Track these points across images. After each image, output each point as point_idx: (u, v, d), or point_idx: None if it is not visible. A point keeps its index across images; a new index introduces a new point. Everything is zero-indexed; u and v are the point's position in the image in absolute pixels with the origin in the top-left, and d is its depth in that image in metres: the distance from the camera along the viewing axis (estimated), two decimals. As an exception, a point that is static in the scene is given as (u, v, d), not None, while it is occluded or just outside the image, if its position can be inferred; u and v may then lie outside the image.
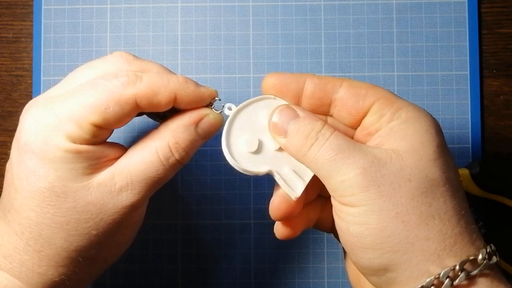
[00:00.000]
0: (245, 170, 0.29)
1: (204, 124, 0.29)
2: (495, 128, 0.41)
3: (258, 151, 0.30)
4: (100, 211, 0.27)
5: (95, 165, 0.28)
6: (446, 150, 0.27)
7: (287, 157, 0.29)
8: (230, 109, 0.30)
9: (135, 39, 0.42)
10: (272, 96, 0.30)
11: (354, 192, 0.26)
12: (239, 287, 0.40)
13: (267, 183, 0.41)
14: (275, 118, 0.29)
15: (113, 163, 0.28)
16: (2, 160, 0.41)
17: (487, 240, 0.27)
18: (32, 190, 0.27)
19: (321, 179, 0.27)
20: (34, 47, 0.42)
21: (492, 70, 0.41)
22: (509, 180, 0.41)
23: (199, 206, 0.41)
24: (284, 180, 0.29)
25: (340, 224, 0.27)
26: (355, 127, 0.29)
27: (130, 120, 0.29)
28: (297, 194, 0.29)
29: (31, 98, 0.41)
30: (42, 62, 0.41)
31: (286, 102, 0.29)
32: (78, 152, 0.27)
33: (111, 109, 0.27)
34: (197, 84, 0.29)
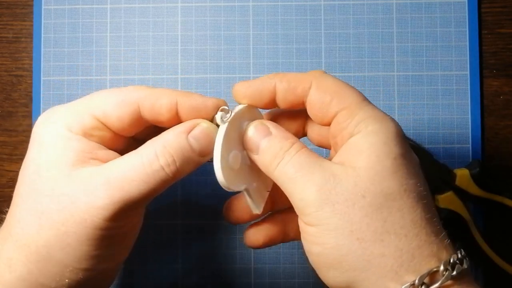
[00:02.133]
0: (229, 188, 0.28)
1: (196, 132, 0.28)
2: (495, 128, 0.41)
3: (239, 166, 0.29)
4: (71, 206, 0.26)
5: (81, 158, 0.27)
6: (407, 160, 0.26)
7: (259, 171, 0.29)
8: (222, 118, 0.28)
9: (135, 39, 0.42)
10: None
11: (311, 210, 0.26)
12: (239, 287, 0.40)
13: (267, 183, 0.41)
14: (249, 134, 0.29)
15: (100, 164, 0.27)
16: (2, 160, 0.41)
17: (455, 248, 0.26)
18: (24, 175, 0.27)
19: (288, 198, 0.27)
20: (34, 47, 0.42)
21: (492, 70, 0.41)
22: (509, 180, 0.41)
23: (199, 206, 0.41)
24: (252, 196, 0.29)
25: (304, 244, 0.27)
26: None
27: (136, 129, 0.29)
28: (258, 211, 0.30)
29: (31, 98, 0.41)
30: (42, 62, 0.41)
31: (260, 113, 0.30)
32: (69, 139, 0.27)
33: (112, 103, 0.27)
34: (202, 95, 0.29)
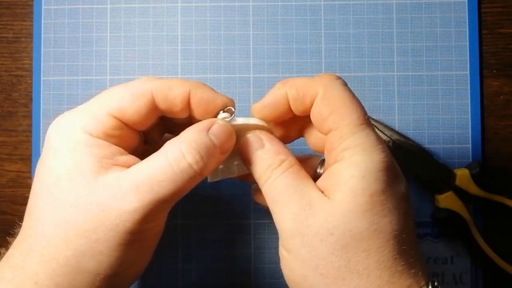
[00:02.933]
0: (212, 181, 0.31)
1: (215, 130, 0.28)
2: (495, 128, 0.41)
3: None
4: (101, 213, 0.25)
5: (104, 164, 0.26)
6: (385, 195, 0.25)
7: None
8: (224, 118, 0.29)
9: (135, 39, 0.42)
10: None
11: (284, 237, 0.26)
12: (239, 287, 0.40)
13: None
14: (243, 145, 0.29)
15: (123, 169, 0.27)
16: (2, 160, 0.41)
17: (429, 278, 0.26)
18: (42, 187, 0.27)
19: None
20: (34, 47, 0.42)
21: (492, 70, 0.41)
22: (509, 180, 0.41)
23: (199, 206, 0.41)
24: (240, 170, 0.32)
25: (280, 262, 0.28)
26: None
27: (151, 121, 0.29)
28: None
29: (31, 98, 0.41)
30: (42, 62, 0.41)
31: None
32: (90, 145, 0.26)
33: (128, 98, 0.27)
34: (213, 90, 0.29)
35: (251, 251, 0.41)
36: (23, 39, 0.42)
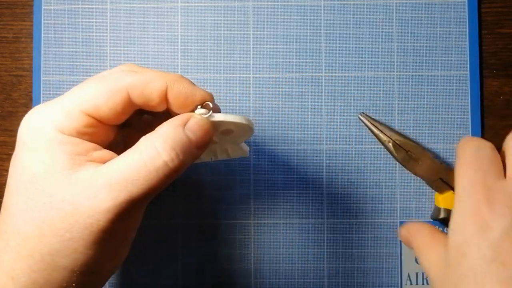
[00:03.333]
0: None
1: (191, 124, 0.27)
2: (495, 128, 0.41)
3: None
4: (74, 211, 0.25)
5: (77, 161, 0.26)
6: None
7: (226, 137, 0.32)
8: (201, 114, 0.28)
9: (135, 39, 0.42)
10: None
11: None
12: (239, 287, 0.40)
13: (267, 183, 0.41)
14: None
15: (98, 165, 0.27)
16: (2, 160, 0.41)
17: None
18: (17, 183, 0.27)
19: None
20: (34, 47, 0.42)
21: (492, 70, 0.41)
22: (509, 180, 0.41)
23: (199, 206, 0.41)
24: (231, 153, 0.34)
25: None
26: None
27: (127, 117, 0.28)
28: (246, 154, 0.35)
29: (31, 98, 0.41)
30: (42, 62, 0.41)
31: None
32: (62, 142, 0.26)
33: (103, 95, 0.26)
34: (192, 84, 0.28)
35: (251, 251, 0.41)
36: (23, 39, 0.42)
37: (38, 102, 0.41)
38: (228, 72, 0.41)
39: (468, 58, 0.41)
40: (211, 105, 0.28)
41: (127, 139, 0.30)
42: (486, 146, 0.33)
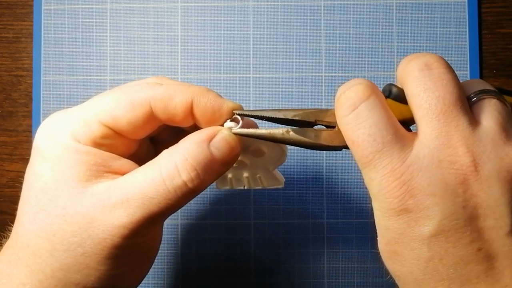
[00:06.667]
0: (219, 188, 0.31)
1: (217, 142, 0.25)
2: (495, 128, 0.41)
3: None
4: (88, 226, 0.24)
5: (94, 172, 0.25)
6: None
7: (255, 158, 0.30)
8: (231, 128, 0.26)
9: (135, 39, 0.42)
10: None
11: None
12: (240, 287, 0.40)
13: (267, 183, 0.41)
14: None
15: (116, 177, 0.25)
16: (2, 160, 0.41)
17: None
18: (29, 192, 0.25)
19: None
20: (34, 47, 0.42)
21: (492, 70, 0.41)
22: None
23: (199, 206, 0.41)
24: (263, 182, 0.31)
25: None
26: None
27: (149, 131, 0.27)
28: (281, 185, 0.32)
29: (31, 98, 0.41)
30: (42, 62, 0.41)
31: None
32: (79, 152, 0.25)
33: (123, 107, 0.25)
34: (218, 96, 0.26)
35: (251, 251, 0.41)
36: (23, 39, 0.42)
37: (38, 102, 0.41)
38: (228, 72, 0.41)
39: (468, 58, 0.41)
40: (239, 118, 0.26)
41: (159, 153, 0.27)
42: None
